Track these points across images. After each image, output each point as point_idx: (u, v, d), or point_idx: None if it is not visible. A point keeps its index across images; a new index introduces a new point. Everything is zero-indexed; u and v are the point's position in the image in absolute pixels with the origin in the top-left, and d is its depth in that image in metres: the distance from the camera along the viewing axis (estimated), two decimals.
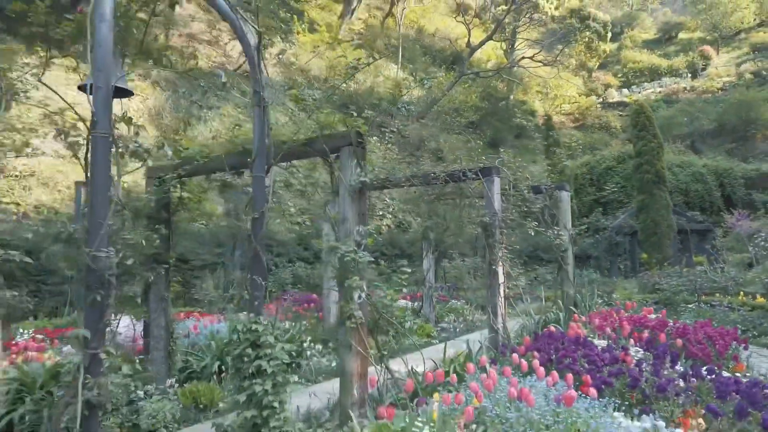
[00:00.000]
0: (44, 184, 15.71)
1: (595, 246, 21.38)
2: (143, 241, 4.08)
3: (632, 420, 3.85)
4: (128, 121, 3.63)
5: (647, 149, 17.65)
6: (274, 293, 13.58)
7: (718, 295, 11.83)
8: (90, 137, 3.42)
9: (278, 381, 4.15)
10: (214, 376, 6.56)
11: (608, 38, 43.43)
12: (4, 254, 2.69)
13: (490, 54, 41.13)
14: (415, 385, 5.16)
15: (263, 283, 4.43)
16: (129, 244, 3.77)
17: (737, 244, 20.79)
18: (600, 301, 10.51)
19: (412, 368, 5.47)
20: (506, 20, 36.49)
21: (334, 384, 6.52)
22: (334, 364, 7.72)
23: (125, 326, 6.68)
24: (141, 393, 5.65)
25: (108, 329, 3.45)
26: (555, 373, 4.10)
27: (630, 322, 6.57)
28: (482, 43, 35.25)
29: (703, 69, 47.47)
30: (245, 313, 5.51)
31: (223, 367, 6.66)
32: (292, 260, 14.49)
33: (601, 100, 45.37)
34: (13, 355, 6.77)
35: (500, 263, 7.20)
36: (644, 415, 3.86)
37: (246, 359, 4.16)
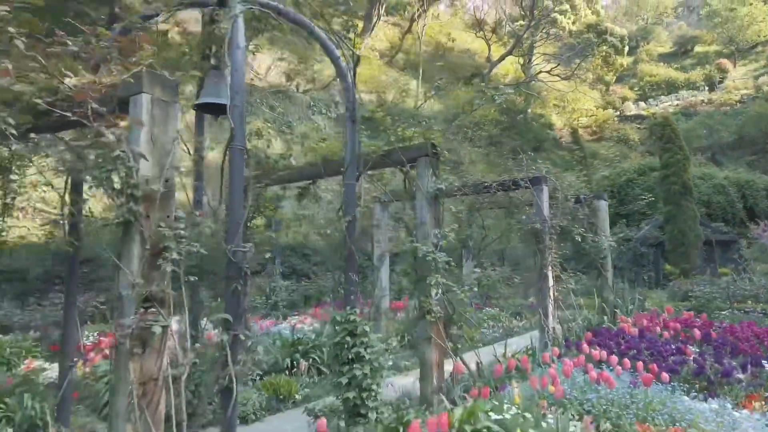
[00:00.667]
0: (92, 195, 16.43)
1: (619, 257, 21.63)
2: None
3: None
4: (259, 133, 4.17)
5: (673, 161, 18.00)
6: (312, 300, 14.10)
7: (749, 302, 12.11)
8: (228, 149, 3.96)
9: (375, 366, 4.62)
10: (286, 372, 7.03)
11: (625, 52, 43.81)
12: (187, 245, 3.17)
13: (509, 68, 41.68)
14: (484, 372, 5.62)
15: (357, 279, 4.92)
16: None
17: (762, 255, 20.96)
18: (632, 307, 10.87)
19: (479, 361, 5.93)
20: (524, 35, 37.17)
21: (397, 379, 7.00)
22: (390, 362, 8.17)
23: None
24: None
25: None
26: (627, 361, 4.53)
27: (676, 323, 6.96)
28: (502, 58, 35.91)
29: (721, 82, 47.64)
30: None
31: (294, 363, 7.14)
32: (330, 269, 14.99)
33: (618, 113, 45.71)
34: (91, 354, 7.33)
35: (550, 267, 7.64)
36: (710, 398, 4.28)
37: (345, 346, 4.63)
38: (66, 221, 4.89)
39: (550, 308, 7.54)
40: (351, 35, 5.51)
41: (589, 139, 42.51)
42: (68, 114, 3.00)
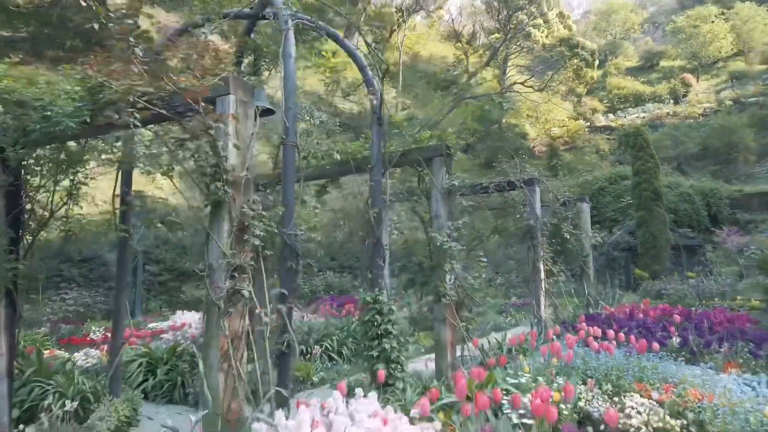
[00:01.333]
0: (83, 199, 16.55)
1: (593, 261, 22.61)
2: None
3: None
4: (308, 134, 4.71)
5: (645, 168, 19.09)
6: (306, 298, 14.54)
7: (717, 299, 13.07)
8: (282, 145, 4.49)
9: (401, 341, 5.18)
10: (301, 357, 7.52)
11: (595, 65, 45.49)
12: (266, 225, 3.66)
13: (484, 79, 42.82)
14: (489, 353, 6.24)
15: (383, 264, 5.48)
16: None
17: (725, 259, 22.23)
18: (611, 302, 11.65)
19: (485, 342, 6.54)
20: (500, 47, 38.40)
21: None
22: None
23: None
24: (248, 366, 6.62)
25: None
26: (621, 335, 5.20)
27: (656, 311, 7.70)
28: (480, 69, 36.92)
29: (685, 95, 49.66)
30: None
31: (308, 349, 7.63)
32: (322, 269, 15.49)
33: (588, 124, 47.30)
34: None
35: (542, 261, 8.33)
36: (694, 366, 4.97)
37: (374, 324, 5.18)
38: (117, 210, 5.37)
39: (543, 299, 8.21)
40: (380, 46, 6.14)
41: (561, 148, 43.88)
42: (163, 111, 3.52)
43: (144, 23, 5.88)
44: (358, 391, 3.53)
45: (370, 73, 5.54)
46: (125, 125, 3.38)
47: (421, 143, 6.19)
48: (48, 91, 3.64)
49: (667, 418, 3.94)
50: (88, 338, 9.64)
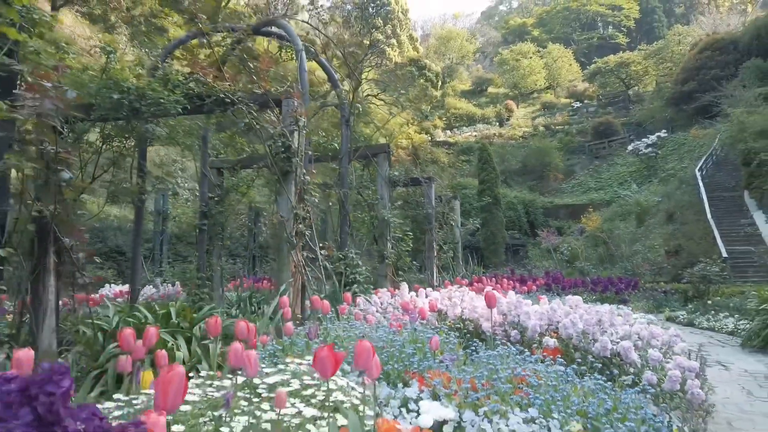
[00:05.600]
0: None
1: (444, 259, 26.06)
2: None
3: None
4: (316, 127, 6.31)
5: (489, 178, 22.89)
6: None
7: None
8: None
9: (364, 287, 6.99)
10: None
11: (439, 86, 50.67)
12: (312, 188, 5.23)
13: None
14: None
15: (348, 230, 7.24)
16: None
17: (541, 257, 27.17)
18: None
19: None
20: (354, 61, 41.31)
21: None
22: None
23: None
24: None
25: None
26: (504, 281, 7.60)
27: (513, 277, 10.43)
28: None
29: (508, 119, 57.41)
30: None
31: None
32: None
33: (430, 138, 52.44)
34: None
35: (435, 242, 10.65)
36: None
37: (343, 274, 6.92)
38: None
39: (435, 270, 10.53)
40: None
41: (407, 159, 48.14)
42: (242, 106, 4.99)
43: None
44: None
45: (340, 85, 7.29)
46: (223, 110, 4.80)
47: (370, 143, 8.07)
48: (153, 84, 4.86)
49: None
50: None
